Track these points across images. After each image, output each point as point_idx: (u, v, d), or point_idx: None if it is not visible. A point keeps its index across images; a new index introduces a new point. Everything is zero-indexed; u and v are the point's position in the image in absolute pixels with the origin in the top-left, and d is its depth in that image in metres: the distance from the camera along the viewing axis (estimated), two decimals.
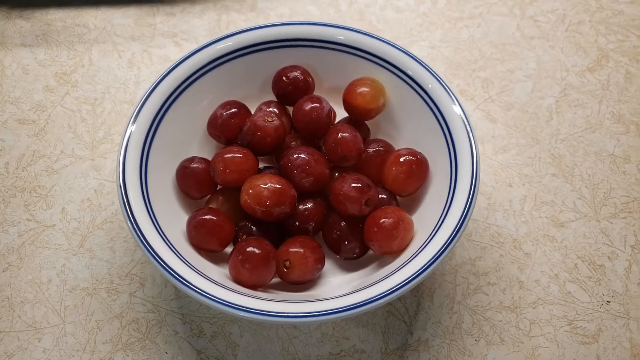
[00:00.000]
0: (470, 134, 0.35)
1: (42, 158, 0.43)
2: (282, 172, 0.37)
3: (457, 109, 0.36)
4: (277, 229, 0.37)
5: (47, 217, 0.41)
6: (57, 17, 0.50)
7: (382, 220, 0.34)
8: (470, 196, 0.33)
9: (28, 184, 0.42)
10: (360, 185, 0.35)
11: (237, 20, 0.50)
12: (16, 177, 0.42)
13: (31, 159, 0.43)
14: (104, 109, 0.46)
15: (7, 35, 0.49)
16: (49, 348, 0.36)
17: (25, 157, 0.43)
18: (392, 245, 0.34)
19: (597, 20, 0.50)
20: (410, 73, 0.37)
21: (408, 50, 0.38)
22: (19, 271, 0.38)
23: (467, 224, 0.33)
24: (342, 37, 0.39)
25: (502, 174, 0.43)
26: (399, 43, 0.48)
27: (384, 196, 0.37)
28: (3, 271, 0.38)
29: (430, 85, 0.37)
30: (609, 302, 0.37)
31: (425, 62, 0.38)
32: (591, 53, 0.48)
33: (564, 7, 0.51)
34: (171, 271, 0.32)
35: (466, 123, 0.35)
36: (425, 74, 0.37)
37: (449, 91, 0.36)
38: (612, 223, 0.40)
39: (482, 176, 0.42)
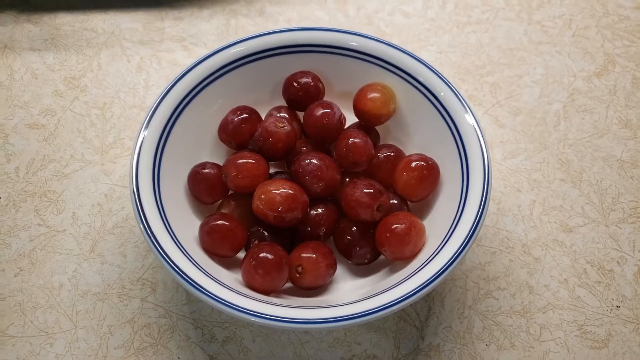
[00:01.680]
0: (483, 143, 0.35)
1: (52, 163, 0.43)
2: (293, 177, 0.37)
3: (469, 118, 0.36)
4: (288, 234, 0.37)
5: (58, 222, 0.41)
6: (66, 21, 0.50)
7: (395, 226, 0.35)
8: (482, 204, 0.33)
9: (38, 189, 0.42)
10: (372, 190, 0.35)
11: (245, 24, 0.50)
12: (26, 181, 0.42)
13: (41, 164, 0.43)
14: (113, 113, 0.46)
15: (16, 39, 0.49)
16: (61, 353, 0.36)
17: (35, 162, 0.43)
18: (405, 251, 0.35)
19: (603, 26, 0.50)
20: (421, 80, 0.38)
21: (419, 56, 0.38)
22: (30, 276, 0.39)
23: (479, 232, 0.33)
24: (354, 44, 0.39)
25: (510, 179, 0.43)
26: (407, 48, 0.48)
27: (395, 201, 0.37)
28: (14, 276, 0.39)
29: (442, 93, 0.37)
30: (618, 307, 0.38)
31: (436, 68, 0.38)
32: (598, 58, 0.49)
33: (571, 13, 0.51)
34: (184, 276, 0.32)
35: (478, 132, 0.35)
36: (436, 80, 0.37)
37: (461, 99, 0.36)
38: (620, 228, 0.41)
39: (492, 181, 0.42)
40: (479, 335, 0.37)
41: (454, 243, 0.33)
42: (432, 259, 0.33)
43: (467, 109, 0.36)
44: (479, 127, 0.35)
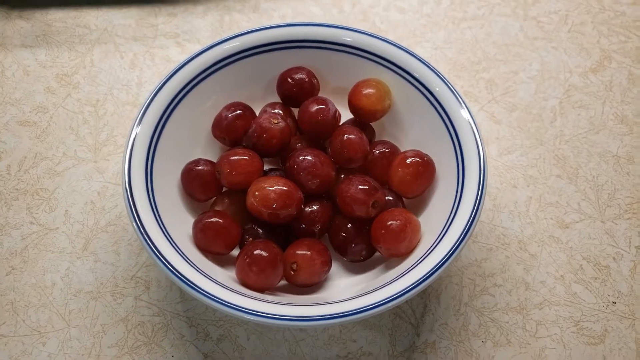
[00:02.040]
0: (478, 139, 0.35)
1: (44, 160, 0.43)
2: (288, 174, 0.37)
3: (464, 113, 0.35)
4: (283, 231, 0.37)
5: (50, 220, 0.40)
6: (58, 17, 0.50)
7: (390, 222, 0.34)
8: (478, 201, 0.33)
9: (30, 187, 0.41)
10: (367, 187, 0.35)
11: (239, 20, 0.50)
12: (18, 179, 0.42)
13: (33, 162, 0.43)
14: (106, 110, 0.45)
15: (7, 35, 0.49)
16: (54, 352, 0.36)
17: (27, 160, 0.43)
18: (400, 247, 0.34)
19: (599, 22, 0.50)
20: (417, 75, 0.37)
21: (414, 52, 0.38)
22: (22, 275, 0.38)
23: (474, 228, 0.33)
24: (349, 39, 0.39)
25: (506, 175, 0.43)
26: (403, 44, 0.48)
27: (390, 198, 0.37)
28: (6, 275, 0.38)
29: (437, 88, 0.37)
30: (614, 303, 0.38)
31: (432, 64, 0.38)
32: (594, 54, 0.48)
33: (567, 8, 0.51)
34: (178, 274, 0.32)
35: (474, 127, 0.35)
36: (432, 76, 0.37)
37: (457, 94, 0.36)
38: (616, 224, 0.40)
39: (487, 178, 0.42)
40: (475, 332, 0.36)
41: (450, 240, 0.33)
42: (427, 256, 0.33)
43: (463, 104, 0.36)
44: (474, 122, 0.35)
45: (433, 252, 0.32)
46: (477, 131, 0.35)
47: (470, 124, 0.35)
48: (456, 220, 0.33)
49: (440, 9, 0.51)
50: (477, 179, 0.34)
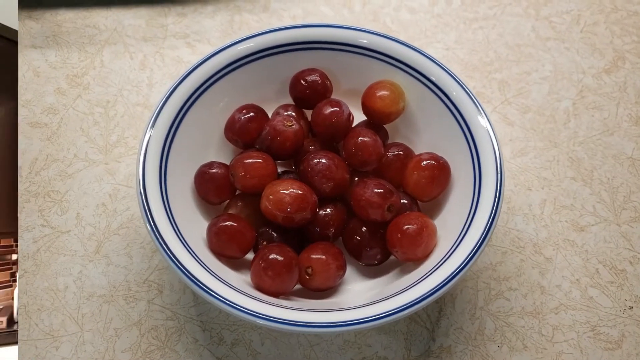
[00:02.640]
0: (496, 147, 0.34)
1: (55, 162, 0.42)
2: (302, 177, 0.36)
3: (482, 119, 0.35)
4: (296, 234, 0.36)
5: (62, 223, 0.40)
6: (67, 18, 0.50)
7: (406, 226, 0.34)
8: (495, 208, 0.33)
9: (42, 189, 0.41)
10: (382, 190, 0.35)
11: (249, 21, 0.50)
12: (30, 181, 0.42)
13: (44, 163, 0.42)
14: (116, 111, 0.45)
15: (17, 36, 0.48)
16: (68, 357, 0.35)
17: (38, 161, 0.42)
18: (416, 251, 0.34)
19: (612, 21, 0.50)
20: (433, 78, 0.37)
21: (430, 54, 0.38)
22: (34, 278, 0.38)
23: (492, 234, 0.32)
24: (364, 41, 0.38)
25: (520, 177, 0.42)
26: (414, 45, 0.48)
27: (405, 201, 0.37)
28: (19, 278, 0.38)
29: (454, 93, 0.36)
30: (631, 307, 0.37)
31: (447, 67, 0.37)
32: (607, 54, 0.48)
33: (579, 8, 0.51)
34: (192, 277, 0.31)
35: (491, 134, 0.34)
36: (449, 80, 0.36)
37: (474, 99, 0.36)
38: (632, 227, 0.40)
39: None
40: (491, 337, 0.36)
41: (467, 246, 0.32)
42: (444, 262, 0.32)
43: (480, 109, 0.35)
44: (492, 130, 0.35)
45: (450, 258, 0.32)
46: (495, 139, 0.34)
47: (488, 131, 0.35)
48: (473, 227, 0.33)
49: (451, 9, 0.50)
50: (494, 187, 0.33)
